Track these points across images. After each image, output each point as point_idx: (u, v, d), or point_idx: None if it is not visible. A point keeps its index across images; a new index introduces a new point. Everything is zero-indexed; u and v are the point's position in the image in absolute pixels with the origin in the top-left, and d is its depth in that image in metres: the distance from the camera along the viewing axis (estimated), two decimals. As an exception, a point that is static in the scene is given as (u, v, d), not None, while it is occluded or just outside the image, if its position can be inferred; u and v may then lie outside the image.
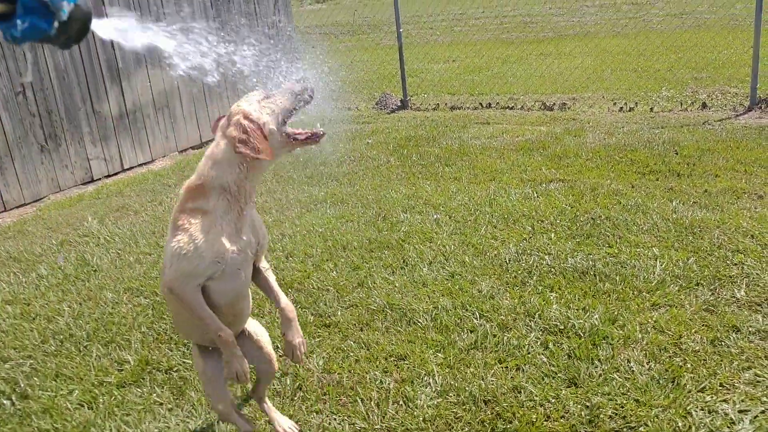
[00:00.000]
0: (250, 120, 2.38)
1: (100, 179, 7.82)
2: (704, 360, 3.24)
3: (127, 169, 8.18)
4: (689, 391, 3.02)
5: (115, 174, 8.03)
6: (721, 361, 3.22)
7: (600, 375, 3.19)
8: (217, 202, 2.38)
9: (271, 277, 2.67)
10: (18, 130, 6.90)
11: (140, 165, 8.36)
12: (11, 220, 6.61)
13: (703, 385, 3.06)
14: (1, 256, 5.49)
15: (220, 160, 2.39)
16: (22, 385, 3.54)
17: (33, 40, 1.61)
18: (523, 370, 3.30)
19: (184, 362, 3.63)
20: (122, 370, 3.63)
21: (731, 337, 3.39)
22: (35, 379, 3.60)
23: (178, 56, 2.11)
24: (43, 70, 7.09)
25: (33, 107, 7.03)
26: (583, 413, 2.94)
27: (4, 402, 3.42)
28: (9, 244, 5.76)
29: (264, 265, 2.67)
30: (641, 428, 2.83)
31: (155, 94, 8.46)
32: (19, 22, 1.56)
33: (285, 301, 2.65)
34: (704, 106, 8.72)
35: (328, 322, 3.92)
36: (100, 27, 1.84)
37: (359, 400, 3.17)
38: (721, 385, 3.05)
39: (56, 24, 1.59)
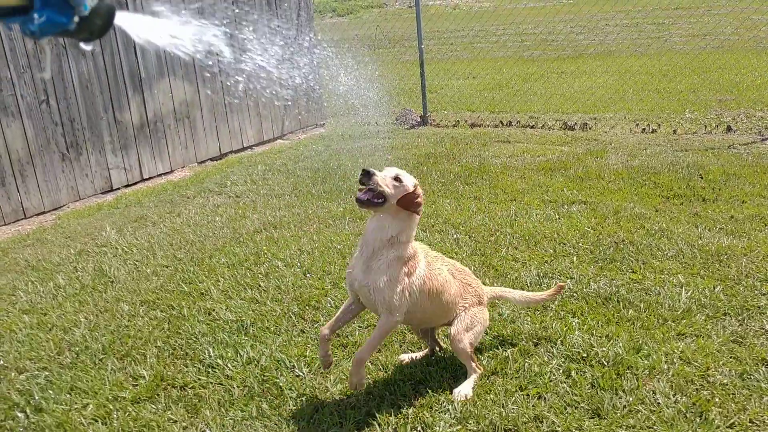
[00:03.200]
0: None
1: (119, 188, 7.84)
2: (733, 394, 3.14)
3: (147, 179, 8.20)
4: (717, 427, 2.92)
5: (135, 183, 8.05)
6: (751, 395, 3.12)
7: (624, 406, 3.10)
8: None
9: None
10: (40, 138, 6.94)
11: (159, 175, 8.38)
12: (30, 227, 6.63)
13: (732, 420, 2.96)
14: (19, 264, 5.50)
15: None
16: (37, 398, 3.51)
17: (51, 34, 1.55)
18: (544, 398, 3.21)
19: (199, 379, 3.58)
20: (137, 385, 3.59)
21: (761, 371, 3.29)
22: (50, 391, 3.56)
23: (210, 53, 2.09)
24: (66, 79, 7.13)
25: (56, 116, 7.07)
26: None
27: (18, 415, 3.39)
28: (28, 252, 5.77)
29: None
30: (668, 465, 2.74)
31: (176, 104, 8.49)
32: (36, 15, 1.50)
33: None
34: (729, 129, 8.61)
35: (345, 342, 3.86)
36: (126, 22, 1.78)
37: (377, 425, 3.11)
38: (750, 421, 2.96)
39: (76, 19, 1.54)
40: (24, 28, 1.53)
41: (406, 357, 3.67)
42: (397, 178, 3.11)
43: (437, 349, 3.73)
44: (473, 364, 3.38)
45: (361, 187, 3.08)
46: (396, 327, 3.25)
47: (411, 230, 3.18)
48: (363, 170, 3.04)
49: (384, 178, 3.07)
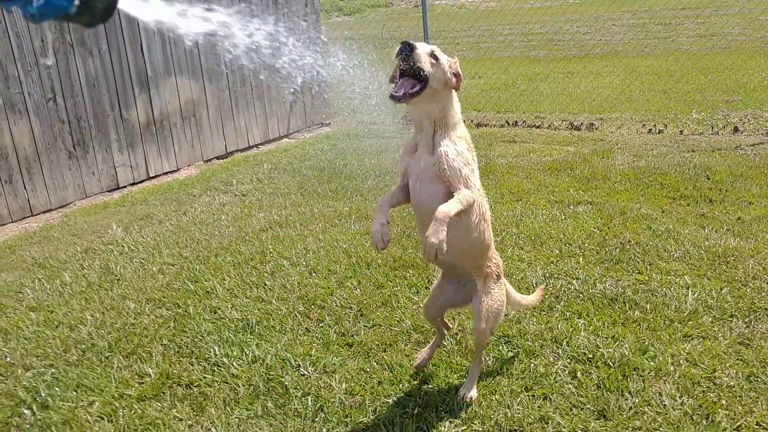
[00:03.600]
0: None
1: (125, 186, 7.86)
2: (740, 396, 3.13)
3: (153, 177, 8.22)
4: (724, 429, 2.91)
5: (141, 182, 8.07)
6: (758, 398, 3.11)
7: (630, 408, 3.09)
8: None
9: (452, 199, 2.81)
10: (47, 135, 6.96)
11: (166, 173, 8.39)
12: (37, 225, 6.65)
13: (738, 423, 2.95)
14: (26, 261, 5.52)
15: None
16: (43, 395, 3.52)
17: (52, 18, 1.53)
18: (550, 399, 3.21)
19: (204, 377, 3.59)
20: (143, 383, 3.60)
21: (768, 374, 3.28)
22: (56, 388, 3.58)
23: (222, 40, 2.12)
24: (73, 77, 7.15)
25: (63, 114, 7.09)
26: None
27: (25, 411, 3.41)
28: (34, 250, 5.79)
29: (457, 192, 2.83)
30: (674, 466, 2.73)
31: (183, 102, 8.51)
32: None
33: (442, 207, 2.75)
34: (736, 130, 8.58)
35: (351, 341, 3.86)
36: (129, 4, 1.77)
37: (381, 424, 3.11)
38: (758, 424, 2.95)
39: (77, 2, 1.53)
40: (24, 11, 1.52)
41: (420, 358, 3.55)
42: (433, 55, 2.81)
43: (446, 331, 3.64)
44: (482, 356, 3.33)
45: (395, 75, 2.80)
46: (472, 205, 2.86)
47: (458, 105, 2.98)
48: (404, 42, 2.72)
49: (425, 55, 2.77)
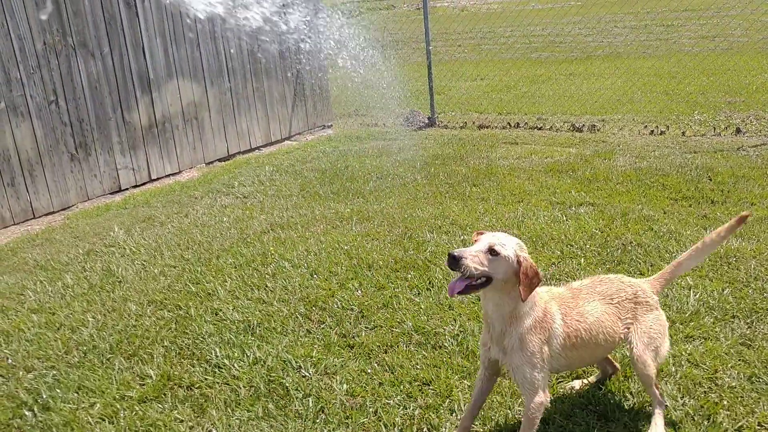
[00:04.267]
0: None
1: (127, 189, 7.87)
2: (741, 397, 3.12)
3: (155, 180, 8.23)
4: (725, 430, 2.91)
5: (143, 184, 8.08)
6: (760, 398, 3.10)
7: (631, 409, 3.08)
8: None
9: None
10: (49, 138, 6.97)
11: (168, 176, 8.40)
12: (39, 227, 6.66)
13: (740, 423, 2.94)
14: (28, 263, 5.53)
15: None
16: (45, 396, 3.52)
17: None
18: (552, 401, 3.20)
19: (205, 379, 3.59)
20: (144, 384, 3.61)
21: (770, 374, 3.27)
22: (57, 390, 3.58)
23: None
24: (75, 79, 7.17)
25: (65, 116, 7.10)
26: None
27: (27, 413, 3.41)
28: (36, 252, 5.80)
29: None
30: (675, 467, 2.72)
31: (184, 105, 8.52)
32: None
33: None
34: (738, 131, 8.56)
35: (351, 342, 3.86)
36: None
37: (382, 426, 3.11)
38: (759, 424, 2.94)
39: None
40: None
41: (577, 384, 3.34)
42: (492, 251, 2.60)
43: (610, 371, 3.37)
44: (657, 392, 3.00)
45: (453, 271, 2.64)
46: (543, 407, 2.75)
47: (531, 298, 2.72)
48: (449, 255, 2.58)
49: (476, 257, 2.58)
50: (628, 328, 2.96)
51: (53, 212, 7.09)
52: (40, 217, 6.96)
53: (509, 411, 3.12)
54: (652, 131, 9.00)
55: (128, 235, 6.02)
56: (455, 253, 2.56)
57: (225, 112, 9.14)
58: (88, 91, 7.31)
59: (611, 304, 2.94)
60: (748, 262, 4.51)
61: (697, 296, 4.06)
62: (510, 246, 2.63)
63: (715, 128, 8.84)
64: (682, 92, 11.43)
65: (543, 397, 2.73)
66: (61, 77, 7.04)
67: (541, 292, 2.82)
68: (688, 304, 3.98)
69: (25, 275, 5.26)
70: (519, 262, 2.60)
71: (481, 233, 2.72)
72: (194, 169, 8.71)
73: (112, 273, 5.15)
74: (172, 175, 8.46)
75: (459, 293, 2.60)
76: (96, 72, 7.39)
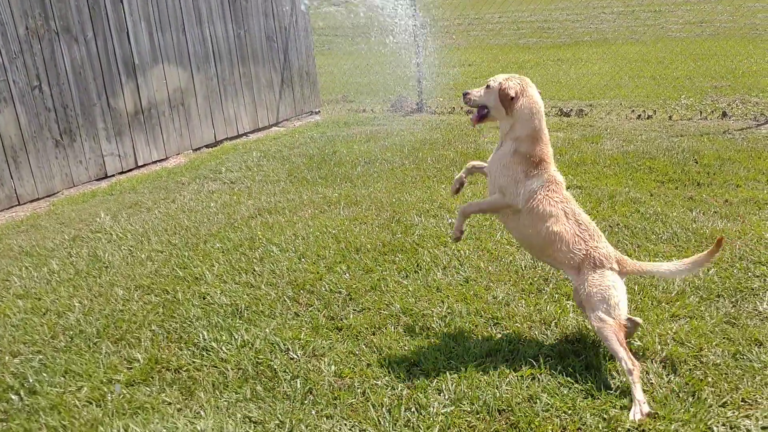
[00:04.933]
0: None
1: (113, 175, 7.81)
2: (726, 374, 3.15)
3: (141, 166, 8.18)
4: (710, 406, 2.93)
5: (129, 170, 8.02)
6: (744, 375, 3.13)
7: (618, 387, 3.11)
8: None
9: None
10: (33, 124, 6.90)
11: (154, 162, 8.35)
12: (24, 214, 6.61)
13: (724, 400, 2.97)
14: (13, 250, 5.48)
15: None
16: (31, 381, 3.50)
17: None
18: (538, 379, 3.22)
19: (193, 362, 3.58)
20: (131, 368, 3.59)
21: (754, 351, 3.30)
22: (44, 374, 3.56)
23: None
24: (59, 65, 7.09)
25: (49, 102, 7.03)
26: (600, 426, 2.86)
27: (13, 397, 3.39)
28: (22, 238, 5.75)
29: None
30: (660, 443, 2.75)
31: (171, 91, 8.45)
32: None
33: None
34: (724, 115, 8.61)
35: (340, 325, 3.86)
36: None
37: (371, 406, 3.11)
38: (743, 400, 2.97)
39: None
40: None
41: None
42: (487, 86, 3.48)
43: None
44: (624, 354, 3.03)
45: (469, 108, 3.71)
46: (502, 207, 3.45)
47: (522, 126, 3.37)
48: (463, 94, 3.63)
49: (477, 92, 3.54)
50: (580, 262, 3.32)
51: (38, 199, 7.03)
52: (25, 203, 6.90)
53: (496, 390, 3.14)
54: (639, 115, 9.03)
55: (115, 221, 5.99)
56: (465, 91, 3.62)
57: (212, 98, 9.08)
58: (72, 76, 7.23)
59: (570, 223, 3.36)
60: (733, 242, 4.54)
61: (683, 277, 4.09)
62: (497, 79, 3.46)
63: (701, 112, 8.88)
64: (669, 77, 11.47)
65: (508, 200, 3.42)
66: (45, 62, 6.96)
67: (552, 168, 3.42)
68: (674, 284, 4.01)
69: (10, 261, 5.22)
70: (500, 87, 3.40)
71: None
72: (181, 155, 8.66)
73: (98, 258, 5.12)
74: (159, 161, 8.41)
75: (477, 121, 3.61)
76: (80, 57, 7.31)
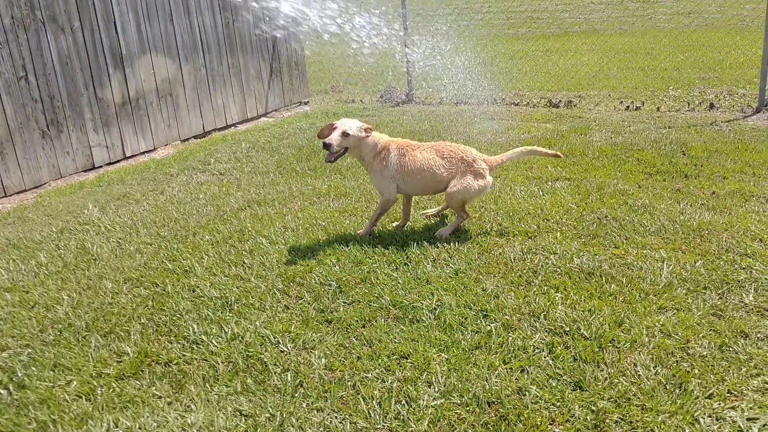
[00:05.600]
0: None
1: (101, 167, 7.76)
2: (712, 366, 3.19)
3: (129, 157, 8.13)
4: (697, 398, 2.97)
5: (117, 162, 7.97)
6: (730, 367, 3.17)
7: (606, 379, 3.14)
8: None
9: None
10: (20, 115, 6.83)
11: (142, 153, 8.30)
12: (11, 205, 6.56)
13: (710, 391, 3.01)
14: (0, 242, 5.44)
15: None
16: (20, 375, 3.49)
17: None
18: (527, 371, 3.25)
19: (183, 355, 3.58)
20: (121, 361, 3.59)
21: (740, 343, 3.34)
22: (33, 368, 3.55)
23: None
24: (46, 55, 7.02)
25: (35, 92, 6.96)
26: (588, 417, 2.89)
27: (1, 392, 3.37)
28: (8, 231, 5.71)
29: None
30: (648, 434, 2.78)
31: (158, 81, 8.39)
32: None
33: None
34: (712, 106, 8.66)
35: (330, 317, 3.87)
36: None
37: (361, 399, 3.12)
38: (729, 391, 3.01)
39: None
40: None
41: (430, 212, 5.37)
42: (344, 134, 4.68)
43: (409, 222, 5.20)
44: (462, 213, 4.88)
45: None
46: (389, 204, 4.93)
47: (368, 146, 4.83)
48: (323, 143, 4.67)
49: (337, 140, 4.64)
50: (452, 177, 4.79)
51: (25, 190, 6.98)
52: (11, 195, 6.85)
53: (486, 383, 3.16)
54: (628, 107, 9.06)
55: (103, 213, 5.95)
56: (325, 141, 4.65)
57: (200, 88, 9.02)
58: (58, 66, 7.16)
59: (442, 157, 4.83)
60: (720, 234, 4.58)
61: (670, 268, 4.13)
62: (354, 127, 4.72)
63: (689, 104, 8.93)
64: (657, 68, 11.51)
65: (387, 196, 4.89)
66: (31, 53, 6.88)
67: (383, 136, 4.91)
68: (661, 276, 4.05)
69: (-3, 254, 5.18)
70: (367, 132, 4.80)
71: (332, 124, 4.79)
72: (169, 146, 8.61)
73: (86, 251, 5.09)
74: (147, 152, 8.36)
75: (329, 162, 4.82)
76: (66, 47, 7.23)
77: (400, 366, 3.37)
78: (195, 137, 9.01)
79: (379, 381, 3.25)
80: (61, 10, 7.13)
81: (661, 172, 6.02)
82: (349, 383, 3.25)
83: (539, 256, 4.45)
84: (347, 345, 3.58)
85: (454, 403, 3.06)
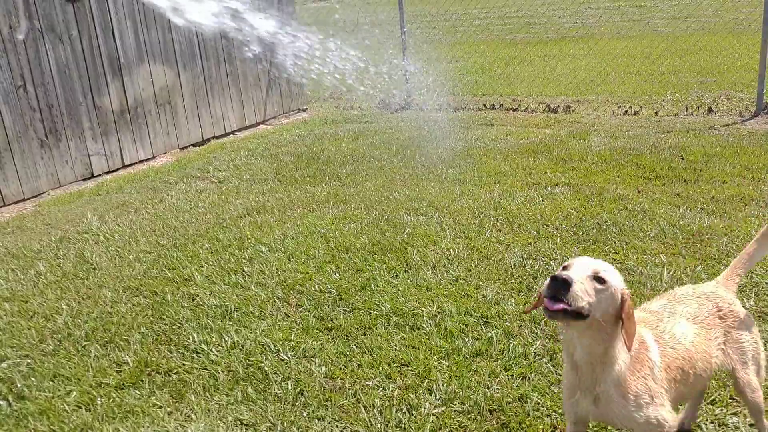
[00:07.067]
0: None
1: (100, 175, 7.75)
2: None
3: (128, 166, 8.12)
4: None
5: (116, 170, 7.96)
6: (731, 372, 3.16)
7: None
8: None
9: None
10: (18, 124, 6.83)
11: (141, 161, 8.29)
12: (10, 215, 6.55)
13: (712, 397, 3.00)
14: (-1, 252, 5.43)
15: None
16: (19, 385, 3.48)
17: None
18: (529, 378, 3.24)
19: (183, 364, 3.57)
20: (121, 371, 3.58)
21: (741, 348, 3.33)
22: (32, 379, 3.54)
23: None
24: (44, 64, 7.02)
25: (33, 101, 6.96)
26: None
27: (1, 403, 3.36)
28: (7, 240, 5.70)
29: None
30: (650, 441, 2.77)
31: (157, 89, 8.39)
32: None
33: None
34: (710, 110, 8.67)
35: (330, 325, 3.86)
36: None
37: (362, 407, 3.12)
38: (731, 397, 3.00)
39: None
40: None
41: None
42: (598, 278, 2.10)
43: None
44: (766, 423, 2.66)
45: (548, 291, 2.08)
46: None
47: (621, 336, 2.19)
48: (555, 277, 2.05)
49: (583, 285, 2.07)
50: (722, 350, 2.51)
51: (24, 199, 6.97)
52: (10, 204, 6.83)
53: (487, 390, 3.15)
54: (626, 111, 9.07)
55: (102, 222, 5.94)
56: (563, 275, 2.05)
57: (198, 96, 9.03)
58: (57, 75, 7.17)
59: (696, 324, 2.48)
60: (720, 239, 4.58)
61: (671, 273, 4.12)
62: (616, 276, 2.17)
63: (687, 108, 8.94)
64: (654, 72, 11.52)
65: (669, 425, 2.27)
66: (29, 62, 6.88)
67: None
68: (662, 281, 4.04)
69: (-4, 264, 5.17)
70: (623, 299, 2.14)
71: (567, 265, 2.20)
72: (168, 154, 8.60)
73: (86, 260, 5.08)
74: (146, 160, 8.35)
75: (555, 316, 2.08)
76: (65, 56, 7.24)
77: (401, 374, 3.36)
78: (194, 145, 9.00)
79: (380, 389, 3.24)
80: (59, 20, 7.13)
81: (660, 176, 6.02)
82: (350, 391, 3.24)
83: (539, 261, 4.45)
84: (348, 353, 3.57)
85: (455, 410, 3.05)
